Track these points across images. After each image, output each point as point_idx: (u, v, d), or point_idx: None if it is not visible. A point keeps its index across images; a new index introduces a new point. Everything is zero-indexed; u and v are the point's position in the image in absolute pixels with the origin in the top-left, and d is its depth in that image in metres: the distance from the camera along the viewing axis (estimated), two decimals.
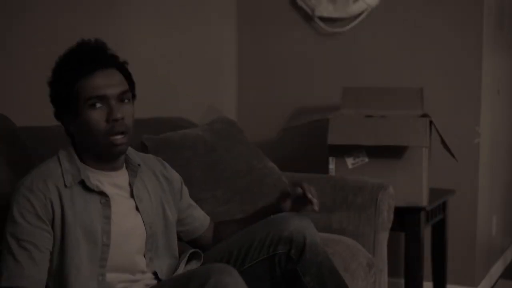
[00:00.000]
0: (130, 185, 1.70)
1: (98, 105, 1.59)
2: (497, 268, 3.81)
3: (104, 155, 1.64)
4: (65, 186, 1.59)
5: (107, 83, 1.60)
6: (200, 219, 1.94)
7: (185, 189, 1.91)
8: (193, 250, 1.79)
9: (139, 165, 1.74)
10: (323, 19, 3.40)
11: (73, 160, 1.63)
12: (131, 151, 1.77)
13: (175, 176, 1.88)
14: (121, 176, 1.70)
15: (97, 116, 1.59)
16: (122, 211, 1.66)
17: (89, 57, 1.62)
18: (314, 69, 3.48)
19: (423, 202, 2.75)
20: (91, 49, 1.66)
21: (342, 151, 2.82)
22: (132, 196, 1.70)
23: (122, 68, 1.68)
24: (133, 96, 1.71)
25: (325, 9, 3.37)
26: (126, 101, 1.63)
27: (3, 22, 2.19)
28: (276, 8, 3.53)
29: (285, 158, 3.35)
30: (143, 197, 1.72)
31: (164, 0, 2.95)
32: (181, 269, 1.74)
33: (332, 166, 2.83)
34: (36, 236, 1.54)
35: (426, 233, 3.11)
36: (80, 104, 1.59)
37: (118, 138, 1.60)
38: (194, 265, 1.78)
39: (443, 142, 2.82)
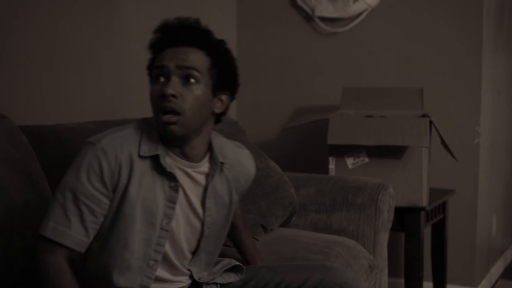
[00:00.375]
0: (206, 181, 1.63)
1: (159, 78, 1.52)
2: (497, 268, 3.81)
3: (162, 135, 1.56)
4: (139, 157, 1.52)
5: (172, 56, 1.52)
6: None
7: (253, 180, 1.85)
8: (236, 263, 1.76)
9: (222, 163, 1.65)
10: (323, 19, 3.40)
11: (153, 135, 1.55)
12: (222, 142, 1.69)
13: (253, 172, 1.80)
14: (199, 169, 1.61)
15: (154, 89, 1.52)
16: (188, 204, 1.60)
17: (170, 32, 1.56)
18: (314, 69, 3.48)
19: (423, 202, 2.75)
20: (175, 25, 1.58)
21: (342, 151, 2.82)
22: (204, 192, 1.63)
23: (211, 50, 1.56)
24: (226, 88, 1.61)
25: (325, 9, 3.37)
26: (192, 81, 1.51)
27: (3, 21, 2.19)
28: (276, 8, 3.53)
29: (285, 158, 3.35)
30: (214, 197, 1.65)
31: (164, 0, 2.95)
32: (217, 275, 1.73)
33: (332, 166, 2.83)
34: (95, 200, 1.49)
35: (426, 233, 3.11)
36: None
37: (165, 116, 1.49)
38: (232, 277, 1.75)
39: (443, 142, 2.82)
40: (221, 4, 3.45)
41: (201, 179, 1.62)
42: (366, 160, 2.80)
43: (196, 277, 1.69)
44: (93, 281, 1.58)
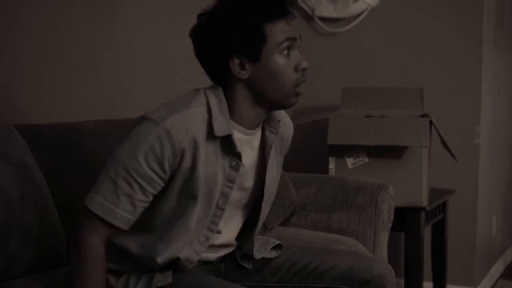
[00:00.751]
0: (264, 144, 1.61)
1: (287, 50, 1.50)
2: (497, 268, 3.81)
3: (277, 105, 1.55)
4: (207, 137, 1.47)
5: (293, 28, 1.51)
6: None
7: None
8: (278, 241, 1.74)
9: (279, 121, 1.64)
10: (323, 19, 3.40)
11: (224, 112, 1.50)
12: None
13: (292, 129, 1.81)
14: (257, 134, 1.60)
15: (286, 62, 1.50)
16: (246, 175, 1.58)
17: (282, 5, 1.51)
18: (314, 69, 3.47)
19: (423, 202, 2.75)
20: None
21: (342, 151, 2.82)
22: (260, 155, 1.61)
23: None
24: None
25: (325, 9, 3.37)
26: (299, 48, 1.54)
27: (3, 21, 2.19)
28: None
29: (285, 158, 3.34)
30: (273, 157, 1.64)
31: (164, 1, 2.95)
32: (267, 252, 1.71)
33: (332, 166, 2.83)
34: (149, 180, 1.44)
35: (426, 233, 3.11)
36: (267, 47, 1.48)
37: (302, 88, 1.54)
38: (273, 253, 1.73)
39: (443, 142, 2.82)
40: None
41: (257, 144, 1.61)
42: (366, 160, 2.80)
43: (256, 255, 1.68)
44: (136, 253, 1.54)
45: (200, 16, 1.55)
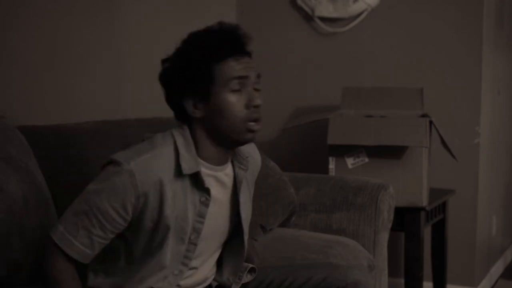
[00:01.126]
0: (235, 180, 1.64)
1: (238, 88, 1.52)
2: (497, 268, 3.81)
3: (233, 142, 1.57)
4: (174, 176, 1.50)
5: (247, 65, 1.53)
6: None
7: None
8: (251, 265, 1.76)
9: (247, 157, 1.67)
10: (323, 19, 3.40)
11: (191, 149, 1.54)
12: None
13: (260, 161, 1.82)
14: (226, 170, 1.63)
15: (235, 100, 1.52)
16: (219, 211, 1.61)
17: (231, 39, 1.54)
18: (314, 69, 3.48)
19: (423, 202, 2.75)
20: (232, 32, 1.56)
21: (342, 151, 2.82)
22: (234, 192, 1.64)
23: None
24: None
25: (325, 9, 3.37)
26: (258, 85, 1.56)
27: (3, 21, 2.19)
28: (276, 8, 3.53)
29: (285, 158, 3.35)
30: (245, 193, 1.67)
31: (164, 1, 2.95)
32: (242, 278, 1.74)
33: (332, 166, 2.83)
34: (109, 218, 1.47)
35: (426, 233, 3.11)
36: (216, 86, 1.51)
37: (256, 125, 1.54)
38: (247, 277, 1.76)
39: (443, 142, 2.82)
40: (221, 4, 3.45)
41: (228, 180, 1.64)
42: (366, 160, 2.80)
43: (234, 285, 1.71)
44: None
45: (163, 61, 1.59)
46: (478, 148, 3.21)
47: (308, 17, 3.45)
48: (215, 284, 1.75)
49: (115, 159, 1.49)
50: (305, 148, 3.46)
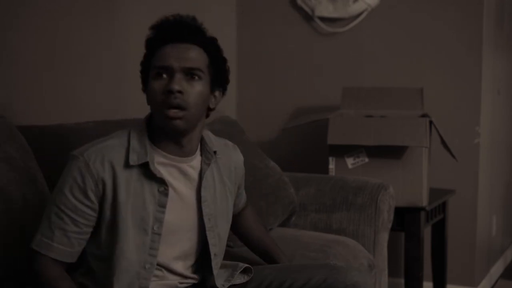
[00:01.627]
0: (200, 173, 1.65)
1: (162, 75, 1.53)
2: (497, 268, 3.81)
3: (161, 129, 1.57)
4: (126, 166, 1.54)
5: (176, 55, 1.53)
6: (243, 197, 1.92)
7: (243, 171, 1.87)
8: (246, 265, 1.77)
9: (215, 152, 1.68)
10: (323, 19, 3.40)
11: (143, 140, 1.57)
12: (209, 135, 1.71)
13: (241, 161, 1.83)
14: (192, 163, 1.64)
15: (157, 86, 1.53)
16: (182, 202, 1.62)
17: (169, 29, 1.57)
18: (314, 69, 3.48)
19: (423, 202, 2.75)
20: (174, 22, 1.60)
21: (342, 151, 2.82)
22: (199, 185, 1.64)
23: (209, 48, 1.60)
24: (220, 84, 1.63)
25: (325, 9, 3.37)
26: (196, 78, 1.54)
27: (3, 21, 2.19)
28: (276, 8, 3.53)
29: (285, 158, 3.35)
30: (209, 188, 1.67)
31: (164, 0, 2.95)
32: (235, 279, 1.74)
33: (332, 166, 2.83)
34: (78, 211, 1.52)
35: (426, 233, 3.11)
36: (150, 74, 1.57)
37: (171, 111, 1.51)
38: (241, 278, 1.76)
39: (443, 142, 2.82)
40: (221, 4, 3.45)
41: (194, 173, 1.65)
42: (366, 160, 2.80)
43: (218, 284, 1.71)
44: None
45: None
46: (478, 148, 3.21)
47: (308, 17, 3.45)
48: (209, 284, 1.74)
49: (71, 154, 1.56)
50: (305, 148, 3.46)
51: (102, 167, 1.53)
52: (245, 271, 1.77)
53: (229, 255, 1.81)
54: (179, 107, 1.52)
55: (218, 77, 1.63)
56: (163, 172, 1.58)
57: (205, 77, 1.57)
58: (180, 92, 1.51)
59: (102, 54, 2.63)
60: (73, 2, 2.48)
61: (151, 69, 1.56)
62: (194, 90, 1.54)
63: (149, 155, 1.56)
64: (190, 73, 1.54)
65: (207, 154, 1.66)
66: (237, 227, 1.92)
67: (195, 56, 1.56)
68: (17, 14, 2.23)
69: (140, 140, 1.58)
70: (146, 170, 1.56)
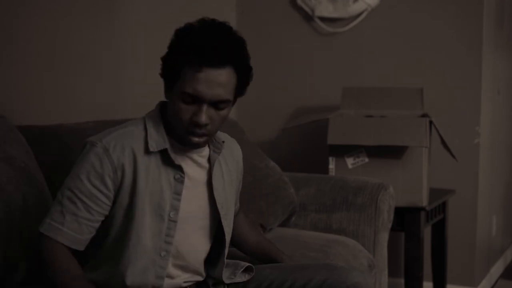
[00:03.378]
0: (210, 162, 1.67)
1: (190, 102, 1.52)
2: (497, 268, 3.81)
3: (178, 136, 1.59)
4: (145, 152, 1.56)
5: (207, 85, 1.50)
6: (237, 201, 1.93)
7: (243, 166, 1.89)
8: (247, 264, 1.77)
9: (223, 141, 1.71)
10: (323, 19, 3.40)
11: (160, 129, 1.59)
12: None
13: (241, 155, 1.85)
14: (202, 153, 1.66)
15: (184, 110, 1.52)
16: (195, 191, 1.64)
17: (205, 53, 1.49)
18: (314, 69, 3.48)
19: (423, 202, 2.75)
20: (210, 43, 1.51)
21: (342, 151, 2.82)
22: (209, 174, 1.67)
23: (239, 67, 1.56)
24: (240, 94, 1.62)
25: (325, 9, 3.37)
26: (221, 106, 1.54)
27: (3, 21, 2.19)
28: (276, 8, 3.53)
29: (285, 158, 3.35)
30: (219, 177, 1.70)
31: (164, 1, 2.95)
32: (237, 276, 1.74)
33: (332, 166, 2.83)
34: (93, 198, 1.52)
35: (426, 233, 3.11)
36: (177, 86, 1.53)
37: (195, 139, 1.55)
38: (243, 277, 1.76)
39: (443, 142, 2.82)
40: (221, 4, 3.45)
41: (204, 162, 1.67)
42: (366, 160, 2.80)
43: (224, 278, 1.72)
44: (105, 281, 1.60)
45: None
46: (478, 148, 3.21)
47: (308, 17, 3.45)
48: (211, 282, 1.75)
49: (88, 140, 1.56)
50: (305, 148, 3.46)
51: (122, 153, 1.54)
52: (246, 270, 1.78)
53: (229, 255, 1.81)
54: (202, 135, 1.55)
55: (243, 91, 1.62)
56: (180, 159, 1.61)
57: (231, 99, 1.57)
58: (206, 125, 1.53)
59: (102, 54, 2.63)
60: (73, 2, 2.48)
61: (180, 88, 1.52)
62: (220, 117, 1.56)
63: (167, 142, 1.58)
64: (217, 106, 1.54)
65: (216, 144, 1.69)
66: (233, 235, 1.88)
67: (226, 81, 1.52)
68: (17, 14, 2.23)
69: (156, 128, 1.59)
70: (164, 157, 1.58)
